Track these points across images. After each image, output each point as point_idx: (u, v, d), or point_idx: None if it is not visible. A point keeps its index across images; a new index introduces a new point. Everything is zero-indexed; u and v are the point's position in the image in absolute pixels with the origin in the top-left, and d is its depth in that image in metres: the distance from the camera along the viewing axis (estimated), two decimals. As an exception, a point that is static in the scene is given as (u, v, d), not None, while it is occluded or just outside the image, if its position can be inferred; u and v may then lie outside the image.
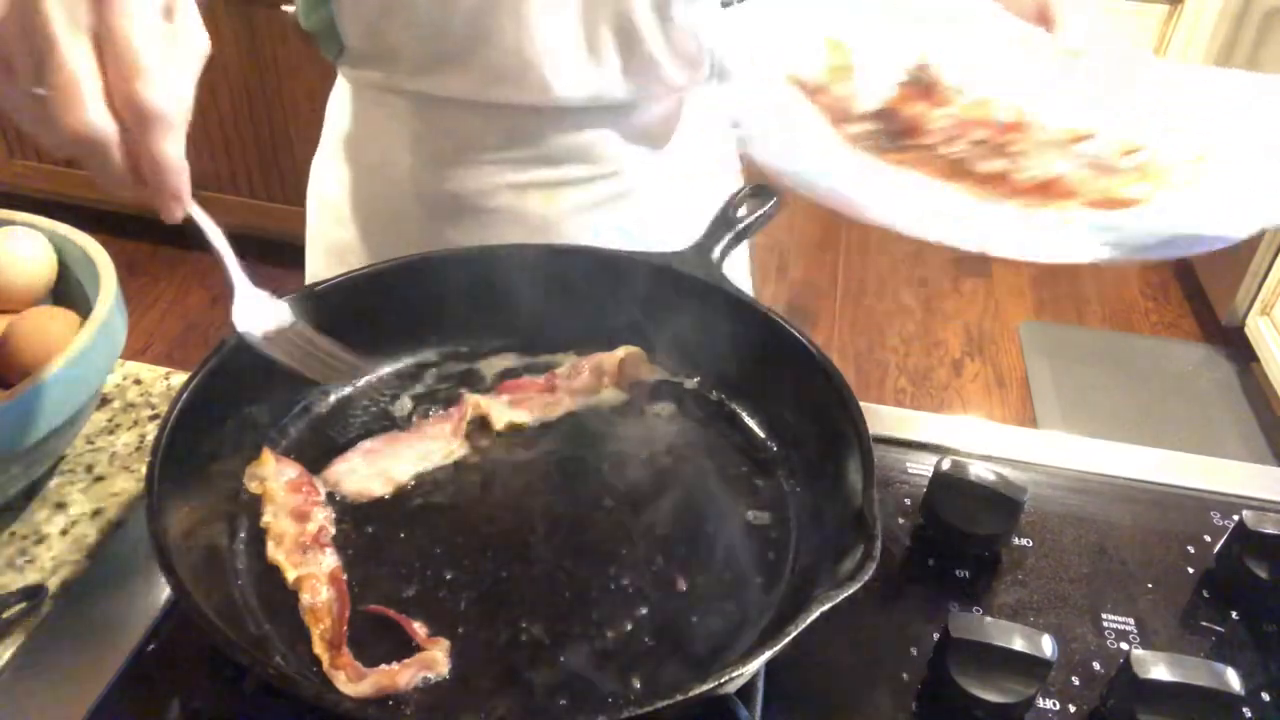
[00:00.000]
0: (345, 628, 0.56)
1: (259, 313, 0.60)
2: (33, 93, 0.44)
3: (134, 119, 0.45)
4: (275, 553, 0.60)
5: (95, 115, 0.44)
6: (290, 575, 0.58)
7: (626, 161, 0.89)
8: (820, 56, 0.68)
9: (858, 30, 0.70)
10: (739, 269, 1.04)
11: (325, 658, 0.54)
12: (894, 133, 0.63)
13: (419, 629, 0.56)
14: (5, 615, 0.61)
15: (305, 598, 0.57)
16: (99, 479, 0.73)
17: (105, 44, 0.44)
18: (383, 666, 0.54)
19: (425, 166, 0.87)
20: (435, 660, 0.54)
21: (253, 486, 0.63)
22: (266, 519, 0.61)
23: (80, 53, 0.44)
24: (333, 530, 0.62)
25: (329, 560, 0.60)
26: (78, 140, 0.44)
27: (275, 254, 2.56)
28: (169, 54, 0.46)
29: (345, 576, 0.59)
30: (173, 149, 0.46)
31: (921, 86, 0.67)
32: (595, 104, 0.83)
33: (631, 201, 0.91)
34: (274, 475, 0.64)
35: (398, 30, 0.79)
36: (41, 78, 0.44)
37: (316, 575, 0.58)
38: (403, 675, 0.53)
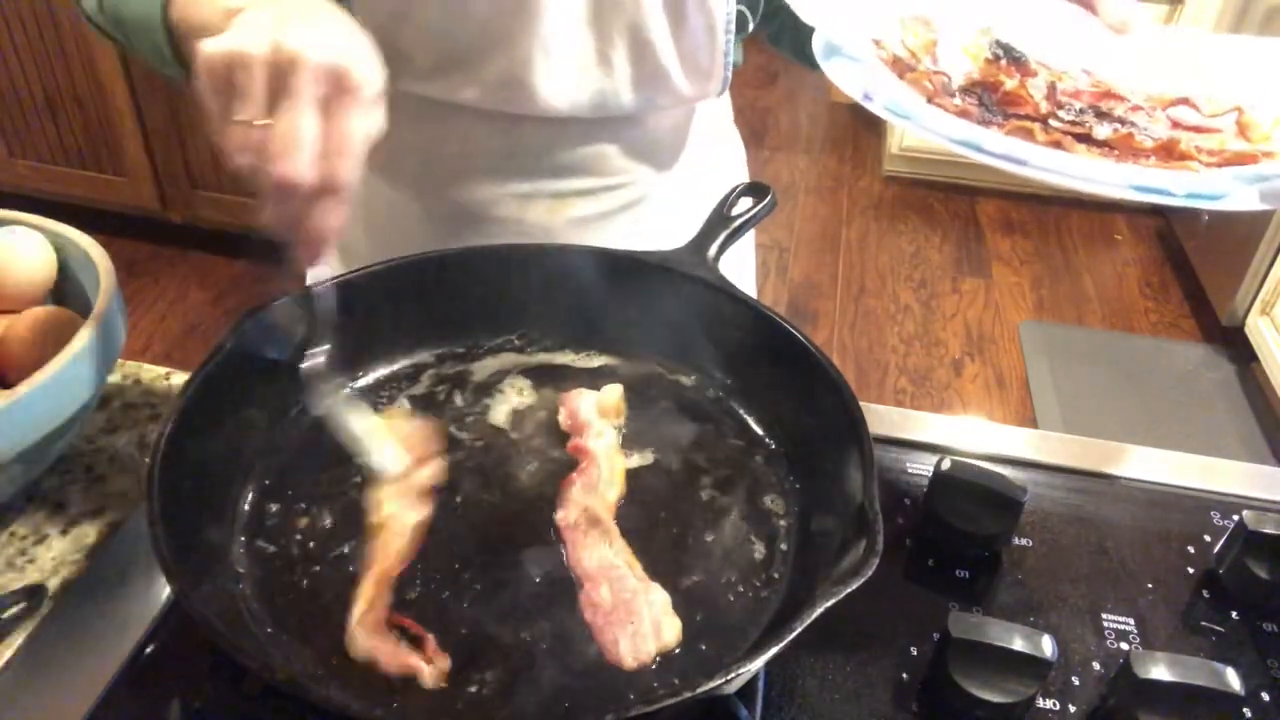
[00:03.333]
0: (396, 576, 0.59)
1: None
2: (251, 123, 0.51)
3: (327, 185, 0.53)
4: (373, 495, 0.64)
5: (306, 169, 0.51)
6: (383, 511, 0.62)
7: (633, 173, 0.89)
8: (903, 34, 0.70)
9: (930, 8, 0.72)
10: (743, 267, 1.04)
11: (365, 599, 0.57)
12: (994, 105, 0.65)
13: (431, 642, 0.55)
14: (5, 615, 0.61)
15: (382, 534, 0.60)
16: (99, 479, 0.73)
17: (332, 119, 0.52)
18: (398, 647, 0.55)
19: (430, 172, 0.87)
20: (422, 672, 0.54)
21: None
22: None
23: (313, 117, 0.52)
24: (440, 486, 0.65)
25: (421, 512, 0.63)
26: (282, 180, 0.51)
27: (277, 252, 2.57)
28: None
29: (427, 536, 0.62)
30: (337, 219, 0.55)
31: (1011, 60, 0.69)
32: (602, 115, 0.83)
33: (637, 213, 0.91)
34: (407, 419, 0.69)
35: (409, 34, 0.78)
36: (266, 116, 0.51)
37: (402, 520, 0.62)
38: (394, 665, 0.54)
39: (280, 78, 0.51)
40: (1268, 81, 0.68)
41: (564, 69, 0.79)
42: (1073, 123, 0.63)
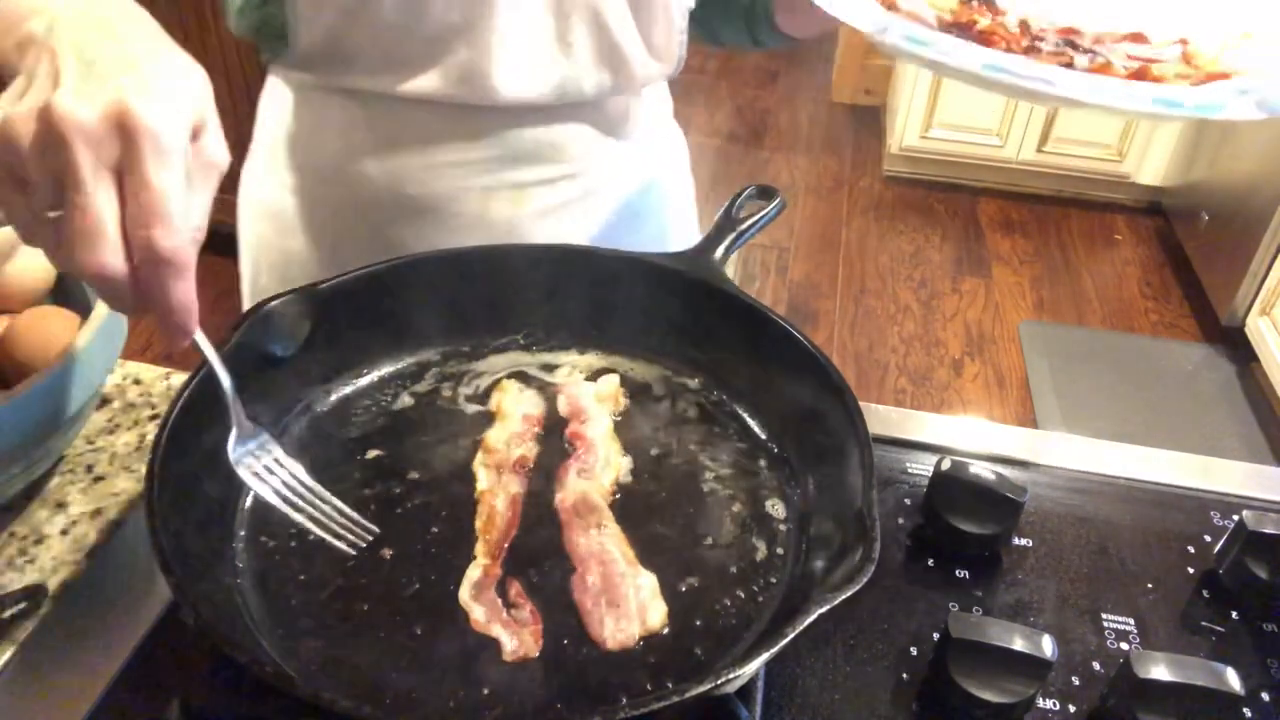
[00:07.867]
0: (507, 544, 0.62)
1: (250, 449, 0.61)
2: (46, 216, 0.45)
3: (148, 263, 0.45)
4: (478, 463, 0.67)
5: (112, 258, 0.44)
6: (480, 485, 0.65)
7: (591, 160, 0.89)
8: None
9: None
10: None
11: (480, 567, 0.60)
12: (971, 42, 0.65)
13: (532, 619, 0.58)
14: (5, 615, 0.61)
15: (483, 508, 0.63)
16: (99, 479, 0.73)
17: (129, 183, 0.44)
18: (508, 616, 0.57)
19: (386, 170, 0.84)
20: (503, 643, 0.56)
21: (492, 404, 0.72)
22: (490, 434, 0.69)
23: (104, 196, 0.44)
24: (532, 463, 0.68)
25: (516, 485, 0.66)
26: (90, 276, 0.45)
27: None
28: (189, 193, 0.46)
29: (523, 506, 0.64)
30: (183, 291, 0.47)
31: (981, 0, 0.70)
32: (562, 103, 0.82)
33: (594, 203, 0.91)
34: (515, 402, 0.72)
35: (361, 32, 0.76)
36: (58, 205, 0.44)
37: (501, 493, 0.65)
38: (482, 627, 0.57)
39: (53, 153, 0.43)
40: (1205, 14, 0.69)
41: (524, 57, 0.78)
42: (1055, 54, 0.63)
